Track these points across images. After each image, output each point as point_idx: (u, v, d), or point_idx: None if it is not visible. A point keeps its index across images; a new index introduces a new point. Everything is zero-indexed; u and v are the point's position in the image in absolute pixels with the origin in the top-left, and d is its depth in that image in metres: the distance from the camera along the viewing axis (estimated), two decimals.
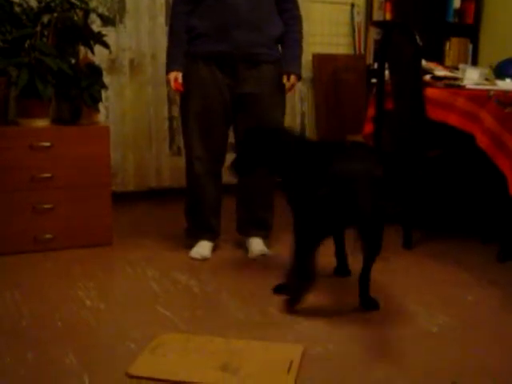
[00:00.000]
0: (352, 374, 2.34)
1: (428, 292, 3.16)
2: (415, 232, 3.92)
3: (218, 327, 2.70)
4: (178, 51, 3.51)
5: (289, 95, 3.75)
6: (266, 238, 3.75)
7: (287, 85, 3.57)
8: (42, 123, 3.66)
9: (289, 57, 3.58)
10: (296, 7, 3.61)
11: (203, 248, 3.63)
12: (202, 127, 3.53)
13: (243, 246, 3.74)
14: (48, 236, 3.66)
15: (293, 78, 3.56)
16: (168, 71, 3.52)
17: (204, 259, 3.56)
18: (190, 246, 3.66)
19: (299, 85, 5.12)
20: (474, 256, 3.70)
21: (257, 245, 3.66)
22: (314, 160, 2.85)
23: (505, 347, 2.57)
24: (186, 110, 3.58)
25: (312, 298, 2.96)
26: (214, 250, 3.67)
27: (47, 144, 3.61)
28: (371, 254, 2.84)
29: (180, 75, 3.49)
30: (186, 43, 3.50)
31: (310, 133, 5.31)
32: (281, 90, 3.59)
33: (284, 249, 3.33)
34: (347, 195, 2.59)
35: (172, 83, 3.49)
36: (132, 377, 2.27)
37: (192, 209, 3.70)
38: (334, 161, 2.71)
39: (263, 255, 3.61)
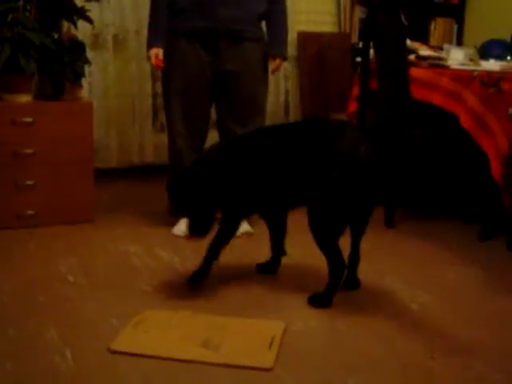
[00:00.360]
0: (333, 349, 2.36)
1: (409, 270, 3.18)
2: (397, 211, 3.94)
3: (200, 304, 2.71)
4: (159, 27, 3.48)
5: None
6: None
7: (272, 65, 3.58)
8: (24, 98, 3.63)
9: (275, 39, 3.60)
10: None
11: (185, 225, 3.62)
12: (184, 104, 3.53)
13: None
14: (30, 212, 3.65)
15: (278, 60, 3.59)
16: (149, 47, 3.48)
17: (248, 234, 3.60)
18: (173, 223, 3.66)
19: (284, 62, 5.10)
20: (455, 235, 3.73)
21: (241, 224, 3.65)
22: (306, 144, 2.66)
23: (484, 325, 2.59)
24: (168, 87, 3.56)
25: (293, 278, 2.99)
26: None
27: (30, 119, 3.58)
28: (363, 230, 2.85)
29: (161, 51, 3.45)
30: (168, 19, 3.47)
31: (295, 111, 5.31)
32: (264, 68, 3.59)
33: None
34: (363, 175, 2.55)
35: (153, 59, 3.46)
36: (114, 352, 2.27)
37: None
38: (336, 141, 2.57)
39: (247, 234, 3.61)
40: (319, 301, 2.71)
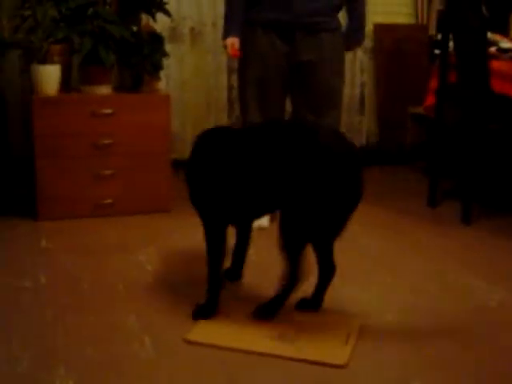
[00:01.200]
0: (409, 347, 2.33)
1: (486, 267, 3.12)
2: (474, 207, 3.87)
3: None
4: (235, 17, 3.49)
5: (349, 65, 3.73)
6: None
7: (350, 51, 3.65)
8: (104, 90, 3.70)
9: (353, 27, 3.61)
10: None
11: (266, 220, 3.63)
12: (260, 94, 3.53)
13: None
14: (108, 202, 3.73)
15: (353, 44, 3.69)
16: (225, 37, 3.49)
17: (261, 229, 3.57)
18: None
19: (360, 54, 5.07)
20: None
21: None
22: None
23: None
24: (244, 77, 3.58)
25: (366, 270, 2.98)
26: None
27: (109, 111, 3.65)
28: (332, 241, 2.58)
29: (237, 41, 3.45)
30: (245, 10, 3.48)
31: (370, 104, 5.26)
32: (340, 60, 3.58)
33: None
34: (342, 178, 2.30)
35: (229, 49, 3.46)
36: (190, 342, 2.30)
37: None
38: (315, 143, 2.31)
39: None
40: (262, 312, 2.50)
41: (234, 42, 3.45)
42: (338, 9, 3.55)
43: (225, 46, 3.51)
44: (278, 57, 3.48)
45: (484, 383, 2.10)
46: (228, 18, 3.52)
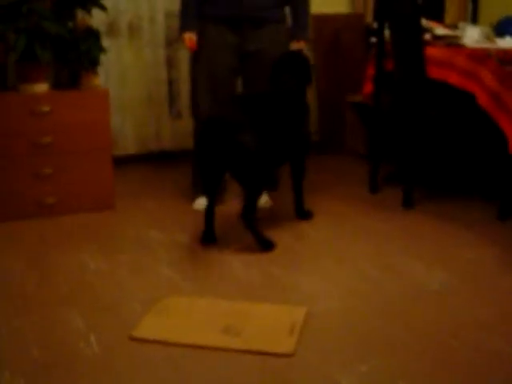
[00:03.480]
0: (354, 332, 2.37)
1: (428, 250, 3.18)
2: (416, 191, 3.94)
3: (222, 289, 2.74)
4: (191, 12, 3.69)
5: None
6: (275, 191, 4.00)
7: (296, 46, 3.77)
8: (41, 88, 3.65)
9: (298, 23, 3.79)
10: None
11: (204, 200, 3.75)
12: (210, 83, 3.71)
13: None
14: (50, 201, 3.68)
15: (302, 42, 3.81)
16: (182, 31, 3.70)
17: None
18: (192, 208, 3.77)
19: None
20: (474, 214, 3.72)
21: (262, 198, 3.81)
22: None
23: (503, 304, 2.60)
24: (196, 67, 3.76)
25: (309, 256, 3.01)
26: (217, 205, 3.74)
27: (47, 109, 3.60)
28: None
29: (194, 35, 3.67)
30: (199, 5, 3.67)
31: (310, 92, 5.29)
32: (284, 48, 3.74)
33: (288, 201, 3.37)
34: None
35: (187, 42, 3.68)
36: (136, 339, 2.30)
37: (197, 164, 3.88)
38: None
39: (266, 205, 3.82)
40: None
41: (191, 36, 3.68)
42: (284, 2, 3.76)
43: (183, 40, 3.72)
44: (228, 48, 3.69)
45: (428, 364, 2.15)
46: (184, 13, 3.71)
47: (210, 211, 3.25)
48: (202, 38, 3.69)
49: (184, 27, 3.70)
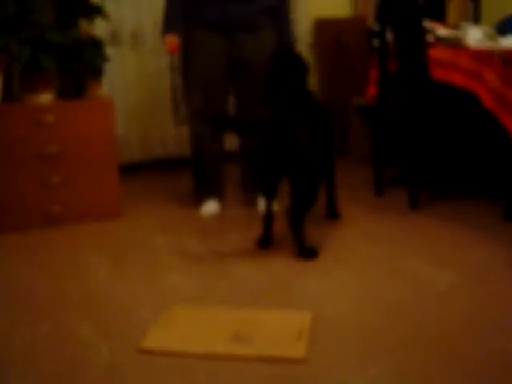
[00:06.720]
0: (363, 334, 2.37)
1: (434, 251, 3.18)
2: (422, 192, 3.94)
3: (229, 294, 2.74)
4: (174, 15, 3.68)
5: None
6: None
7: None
8: (46, 98, 3.66)
9: (283, 29, 3.82)
10: None
11: (211, 205, 3.85)
12: (203, 88, 3.72)
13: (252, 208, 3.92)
14: (57, 210, 3.69)
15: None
16: (164, 33, 3.69)
17: (213, 216, 3.79)
18: (198, 214, 3.81)
19: (300, 49, 5.10)
20: (480, 215, 3.71)
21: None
22: None
23: (511, 304, 2.61)
24: (189, 73, 3.77)
25: (316, 260, 3.02)
26: (221, 210, 3.87)
27: (52, 119, 3.62)
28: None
29: (176, 38, 3.66)
30: (182, 7, 3.66)
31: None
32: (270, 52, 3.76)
33: None
34: None
35: (167, 45, 3.67)
36: (146, 351, 2.28)
37: (197, 168, 3.90)
38: None
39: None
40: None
41: (172, 38, 3.67)
42: (273, 10, 3.76)
43: (164, 42, 3.71)
44: (217, 51, 3.69)
45: (438, 364, 2.15)
46: (167, 15, 3.71)
47: (268, 214, 3.26)
48: (193, 42, 3.69)
49: (167, 29, 3.69)
